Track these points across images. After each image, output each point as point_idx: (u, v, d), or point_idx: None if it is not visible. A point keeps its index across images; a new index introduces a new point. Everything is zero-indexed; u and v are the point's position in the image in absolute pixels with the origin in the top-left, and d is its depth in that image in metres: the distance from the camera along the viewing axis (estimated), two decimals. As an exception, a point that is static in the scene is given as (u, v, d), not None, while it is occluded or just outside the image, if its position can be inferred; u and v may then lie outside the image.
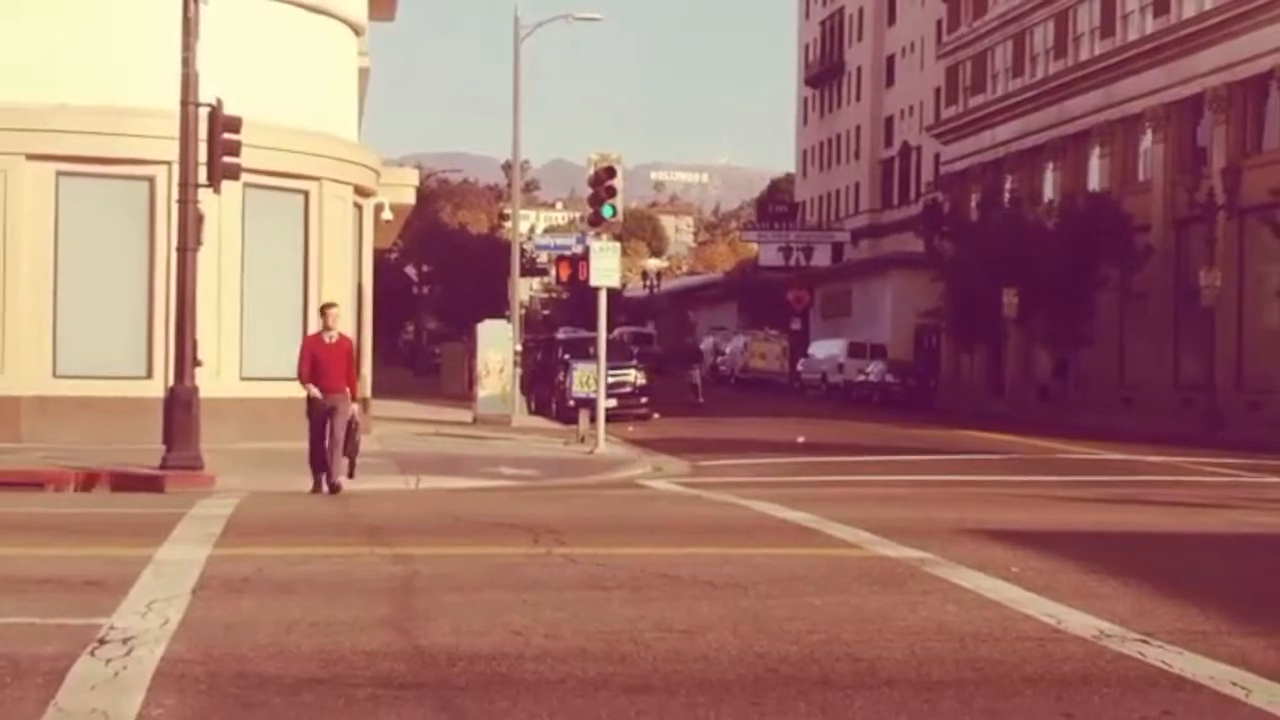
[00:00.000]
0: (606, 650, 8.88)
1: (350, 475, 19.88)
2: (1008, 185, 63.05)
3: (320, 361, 19.83)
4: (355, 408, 20.11)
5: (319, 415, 19.84)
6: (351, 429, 19.82)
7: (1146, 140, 55.10)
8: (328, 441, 19.72)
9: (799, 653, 8.90)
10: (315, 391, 19.72)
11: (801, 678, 8.26)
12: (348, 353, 20.27)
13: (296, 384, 28.13)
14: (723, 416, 43.87)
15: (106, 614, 9.70)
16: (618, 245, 30.65)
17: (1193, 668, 8.58)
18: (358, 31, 32.09)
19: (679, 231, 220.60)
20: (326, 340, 20.05)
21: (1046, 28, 63.27)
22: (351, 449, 19.85)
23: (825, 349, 71.00)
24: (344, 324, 29.75)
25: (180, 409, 21.18)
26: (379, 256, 39.30)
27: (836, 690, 7.98)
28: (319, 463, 19.84)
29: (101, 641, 8.85)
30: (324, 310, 20.78)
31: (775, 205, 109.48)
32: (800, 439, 33.42)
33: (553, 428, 36.90)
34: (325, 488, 19.68)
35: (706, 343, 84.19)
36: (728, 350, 76.89)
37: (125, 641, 8.85)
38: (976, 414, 48.46)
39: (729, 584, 11.46)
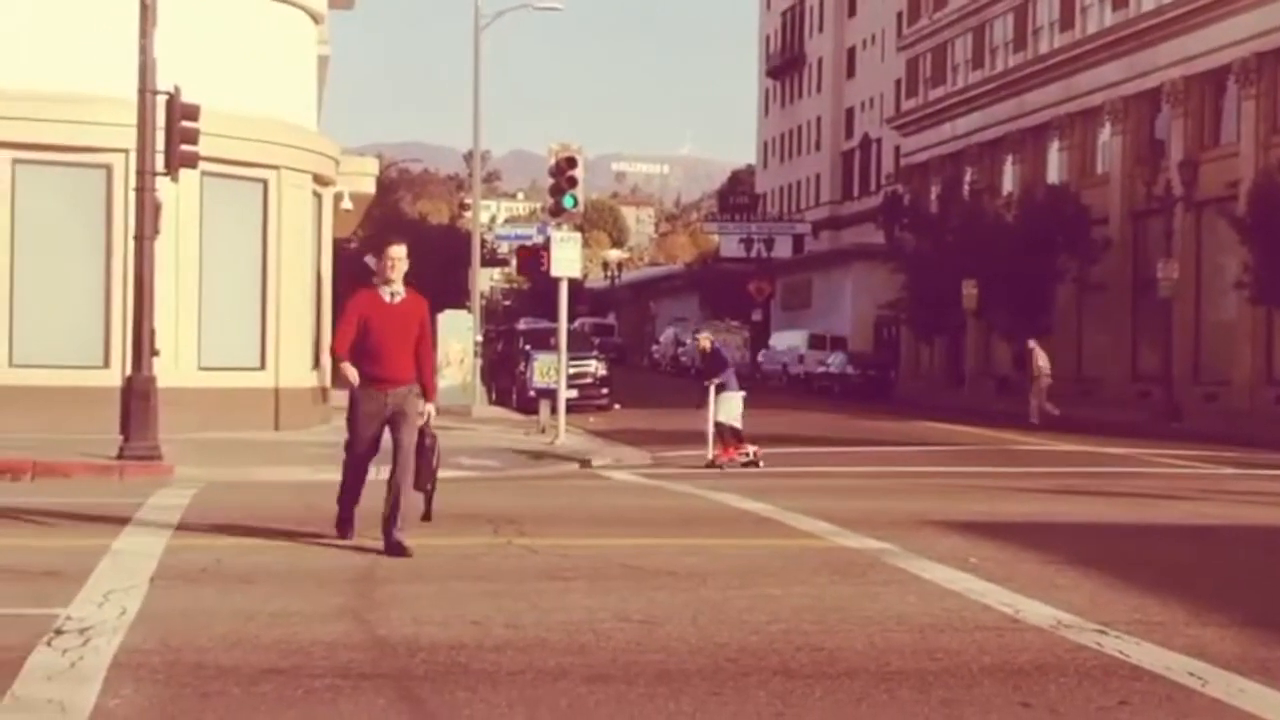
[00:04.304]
0: (566, 640, 8.88)
1: (427, 516, 13.07)
2: (967, 177, 63.31)
3: (376, 331, 12.58)
4: (431, 410, 12.92)
5: (369, 421, 12.76)
6: (428, 447, 12.85)
7: (1105, 133, 55.40)
8: (387, 468, 12.88)
9: (759, 642, 8.92)
10: (352, 374, 12.56)
11: (761, 667, 8.27)
12: (420, 321, 12.87)
13: (255, 373, 28.51)
14: (684, 408, 43.81)
15: (63, 604, 9.63)
16: (579, 236, 30.62)
17: (1149, 658, 8.63)
18: (317, 19, 31.93)
19: (640, 223, 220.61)
20: (387, 299, 12.74)
21: (1006, 20, 63.53)
22: (427, 477, 12.92)
23: (786, 340, 71.17)
24: (301, 313, 29.92)
25: (138, 399, 21.06)
26: (338, 246, 39.16)
27: (796, 680, 7.99)
28: (354, 498, 13.11)
29: (58, 632, 8.79)
30: (384, 252, 12.97)
31: (736, 197, 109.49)
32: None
33: (513, 418, 36.83)
34: (343, 530, 13.08)
35: (668, 334, 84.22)
36: (689, 342, 76.91)
37: (82, 632, 8.80)
38: (936, 405, 48.62)
39: (689, 574, 11.47)
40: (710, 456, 24.49)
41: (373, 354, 12.57)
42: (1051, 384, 40.97)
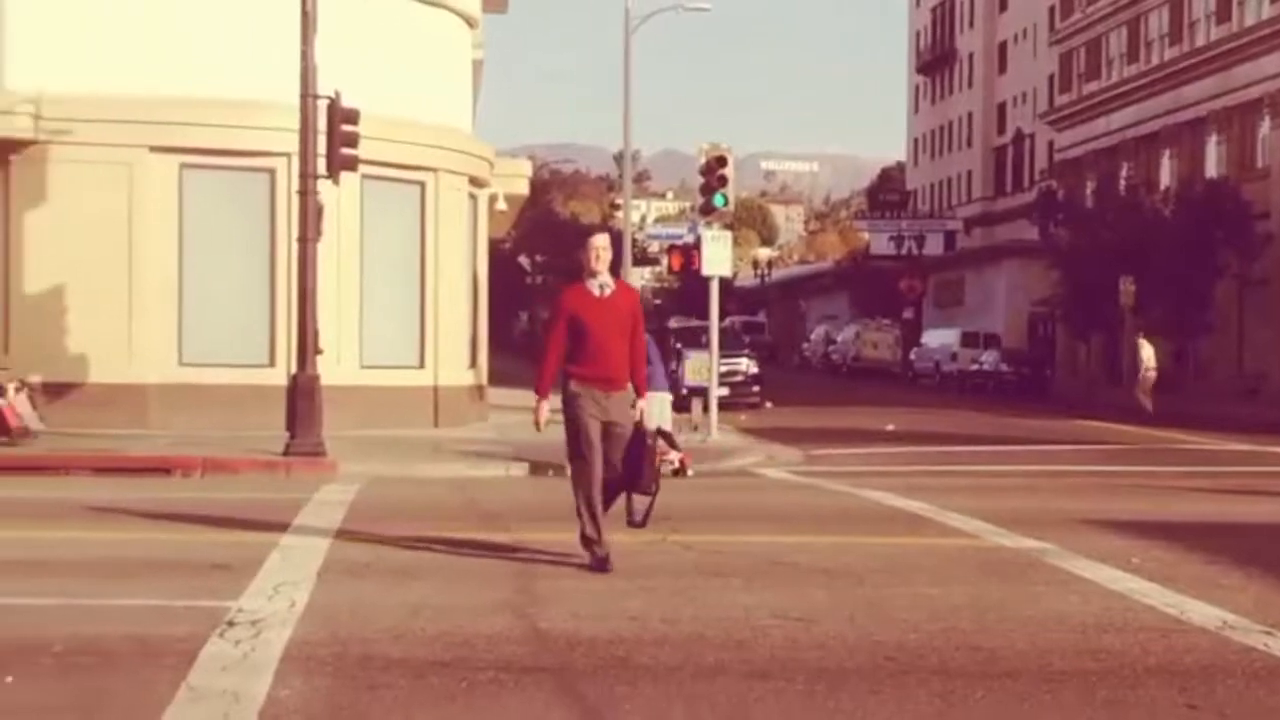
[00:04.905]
0: (723, 637, 8.93)
1: (639, 522, 12.23)
2: (1123, 172, 62.17)
3: (588, 330, 11.51)
4: (642, 406, 11.95)
5: (593, 423, 11.55)
6: (644, 450, 11.85)
7: (1264, 126, 54.10)
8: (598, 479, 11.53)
9: (917, 641, 8.90)
10: (543, 414, 12.09)
11: (920, 666, 8.25)
12: (634, 314, 11.78)
13: (415, 371, 29.00)
14: (835, 406, 43.70)
15: (234, 596, 9.92)
16: (729, 234, 30.66)
17: (1319, 660, 8.48)
18: (471, 24, 32.36)
19: (789, 221, 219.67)
20: (596, 293, 11.64)
21: (1161, 13, 62.31)
22: (650, 479, 11.99)
23: (938, 338, 70.54)
24: (459, 313, 30.33)
25: (303, 396, 21.52)
26: (493, 246, 39.59)
27: (956, 679, 7.97)
28: (597, 507, 11.54)
29: (230, 623, 9.05)
30: (589, 244, 11.77)
31: (886, 194, 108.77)
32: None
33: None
34: (596, 552, 11.44)
35: (818, 332, 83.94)
36: (839, 340, 76.68)
37: (253, 624, 9.05)
38: (1093, 404, 47.86)
39: (844, 572, 11.48)
40: None
41: (590, 354, 11.49)
42: (1156, 378, 40.94)
